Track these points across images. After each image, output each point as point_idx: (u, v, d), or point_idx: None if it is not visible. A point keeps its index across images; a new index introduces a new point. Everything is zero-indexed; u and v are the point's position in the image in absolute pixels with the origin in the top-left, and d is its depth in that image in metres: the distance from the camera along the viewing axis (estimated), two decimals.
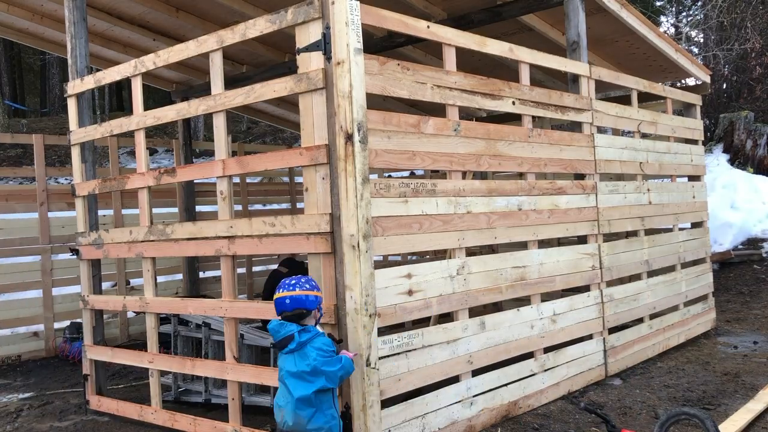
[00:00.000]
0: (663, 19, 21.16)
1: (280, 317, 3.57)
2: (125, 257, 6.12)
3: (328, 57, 3.85)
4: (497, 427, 4.72)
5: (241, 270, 10.15)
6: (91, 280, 5.75)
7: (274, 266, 11.09)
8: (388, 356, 4.00)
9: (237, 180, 10.13)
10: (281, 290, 3.57)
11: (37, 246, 8.16)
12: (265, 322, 6.37)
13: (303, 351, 3.43)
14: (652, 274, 6.65)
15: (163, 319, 5.89)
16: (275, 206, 11.34)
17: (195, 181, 9.25)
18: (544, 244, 5.42)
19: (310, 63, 3.95)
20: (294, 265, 6.87)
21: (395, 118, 4.15)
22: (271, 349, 5.32)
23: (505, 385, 4.87)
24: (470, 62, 6.44)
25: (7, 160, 17.88)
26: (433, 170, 5.32)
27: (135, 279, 9.03)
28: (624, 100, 6.87)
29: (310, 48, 3.94)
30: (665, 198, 6.96)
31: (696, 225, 7.67)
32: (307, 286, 3.59)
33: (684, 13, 20.93)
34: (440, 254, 5.56)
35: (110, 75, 5.42)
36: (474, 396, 4.61)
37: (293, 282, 3.60)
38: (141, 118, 5.16)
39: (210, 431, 4.74)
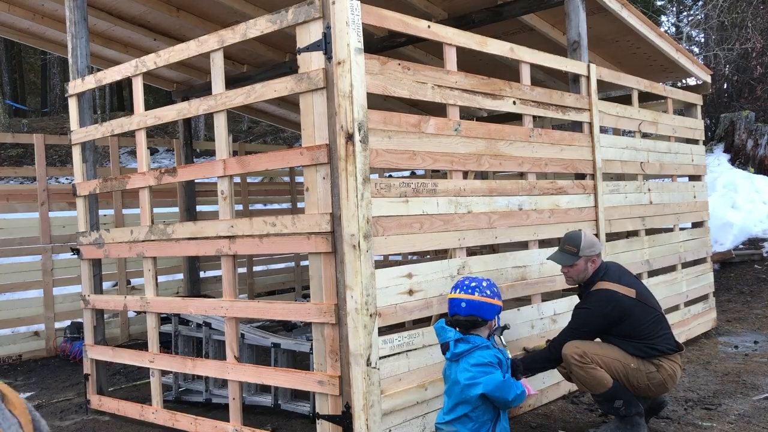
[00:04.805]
0: (664, 18, 21.17)
1: (449, 318, 3.13)
2: (126, 257, 6.12)
3: (328, 57, 3.85)
4: None
5: (242, 270, 10.16)
6: (91, 279, 5.75)
7: (275, 266, 11.16)
8: (388, 356, 3.99)
9: (238, 180, 10.13)
10: (458, 290, 3.14)
11: (37, 245, 8.16)
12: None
13: (458, 364, 2.99)
14: (652, 273, 6.64)
15: (164, 319, 5.90)
16: (276, 206, 11.35)
17: (196, 181, 9.25)
18: (544, 243, 5.42)
19: (311, 63, 3.95)
20: None
21: (396, 117, 4.15)
22: (272, 350, 5.32)
23: None
24: (471, 62, 6.43)
25: (7, 160, 17.90)
26: (433, 170, 5.32)
27: (135, 279, 9.03)
28: (625, 99, 6.87)
29: (310, 48, 3.93)
30: (666, 198, 6.95)
31: (697, 225, 7.67)
32: (488, 292, 3.15)
33: (685, 13, 20.93)
34: (441, 254, 5.56)
35: (111, 75, 5.42)
36: None
37: (473, 284, 3.15)
38: (142, 117, 5.16)
39: (211, 431, 4.74)
